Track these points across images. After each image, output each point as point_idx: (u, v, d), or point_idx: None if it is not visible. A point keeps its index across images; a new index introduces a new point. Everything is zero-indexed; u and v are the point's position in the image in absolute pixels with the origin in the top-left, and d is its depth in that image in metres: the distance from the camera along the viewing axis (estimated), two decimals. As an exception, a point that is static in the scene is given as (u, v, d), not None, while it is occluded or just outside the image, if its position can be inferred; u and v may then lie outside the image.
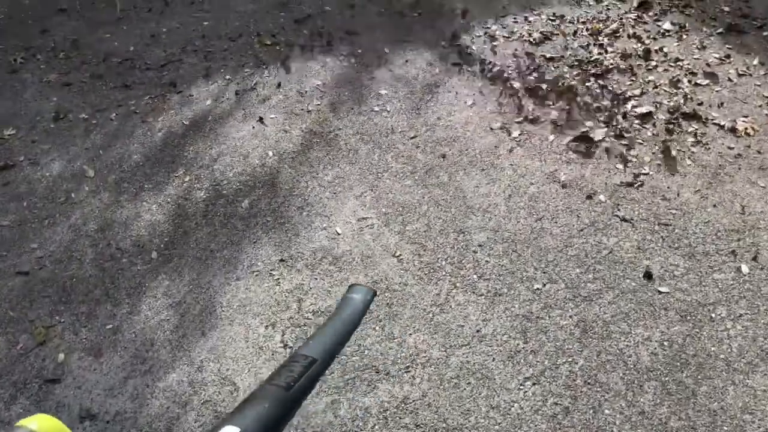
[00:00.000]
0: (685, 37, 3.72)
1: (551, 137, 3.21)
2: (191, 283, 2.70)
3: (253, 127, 3.45)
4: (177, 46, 4.17)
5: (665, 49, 3.65)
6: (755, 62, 3.49)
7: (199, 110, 3.62)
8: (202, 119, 3.56)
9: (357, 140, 3.32)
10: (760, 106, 3.25)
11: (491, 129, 3.29)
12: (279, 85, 3.72)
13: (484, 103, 3.45)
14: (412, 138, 3.29)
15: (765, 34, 3.68)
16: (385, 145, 3.28)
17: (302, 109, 3.53)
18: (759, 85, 3.37)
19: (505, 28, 4.02)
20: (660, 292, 2.49)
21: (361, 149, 3.26)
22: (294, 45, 4.04)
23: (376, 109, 3.50)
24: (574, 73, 3.60)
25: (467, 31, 4.01)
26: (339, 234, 2.83)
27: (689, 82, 3.42)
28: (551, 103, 3.41)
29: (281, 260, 2.75)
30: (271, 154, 3.28)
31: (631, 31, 3.81)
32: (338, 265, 2.70)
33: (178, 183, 3.18)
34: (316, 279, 2.66)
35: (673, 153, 3.04)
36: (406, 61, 3.82)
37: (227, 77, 3.84)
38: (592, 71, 3.57)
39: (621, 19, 3.97)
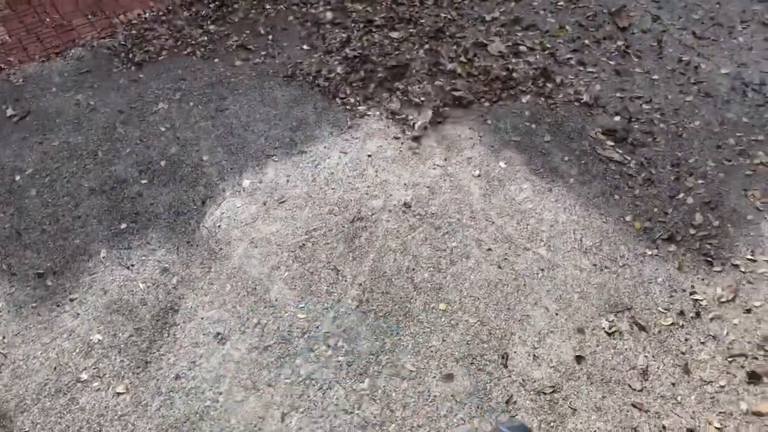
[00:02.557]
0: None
1: (337, 386, 2.30)
2: None
3: None
4: None
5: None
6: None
7: None
8: None
9: (52, 451, 2.17)
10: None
11: (254, 386, 2.30)
12: (-68, 354, 2.44)
13: (241, 333, 2.45)
14: (135, 425, 2.21)
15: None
16: (96, 451, 2.16)
17: (-34, 402, 2.30)
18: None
19: (262, 183, 3.01)
20: None
21: (58, 470, 2.12)
22: (-38, 266, 2.74)
23: (84, 376, 2.36)
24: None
25: (215, 199, 2.96)
26: None
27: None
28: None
29: None
30: None
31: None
32: None
33: None
34: None
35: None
36: (130, 268, 2.69)
37: None
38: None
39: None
